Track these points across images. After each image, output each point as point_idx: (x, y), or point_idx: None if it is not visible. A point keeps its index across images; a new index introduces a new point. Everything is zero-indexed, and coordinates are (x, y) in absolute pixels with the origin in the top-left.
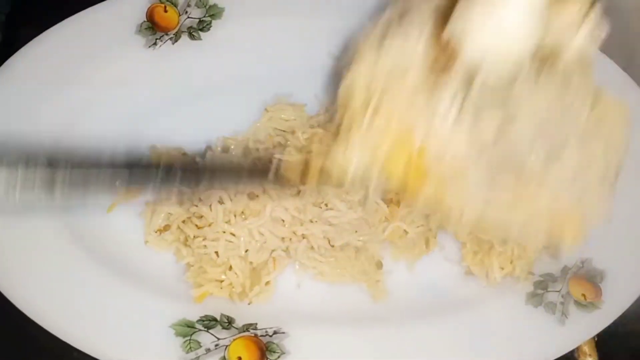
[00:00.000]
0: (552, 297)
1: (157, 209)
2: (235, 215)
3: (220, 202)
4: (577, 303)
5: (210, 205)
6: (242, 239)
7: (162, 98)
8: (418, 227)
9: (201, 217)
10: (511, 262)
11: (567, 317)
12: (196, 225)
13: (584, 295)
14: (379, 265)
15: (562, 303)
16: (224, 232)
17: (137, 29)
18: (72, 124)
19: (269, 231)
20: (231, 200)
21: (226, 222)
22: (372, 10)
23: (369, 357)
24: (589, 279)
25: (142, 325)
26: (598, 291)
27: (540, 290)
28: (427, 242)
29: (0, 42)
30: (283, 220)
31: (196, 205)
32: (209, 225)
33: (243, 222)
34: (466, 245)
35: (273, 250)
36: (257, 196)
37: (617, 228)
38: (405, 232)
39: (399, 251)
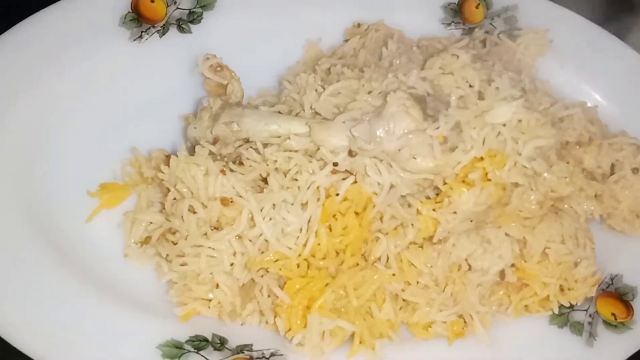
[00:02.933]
0: (578, 316)
1: (137, 218)
2: (211, 227)
3: (192, 210)
4: (607, 323)
5: (181, 216)
6: (224, 254)
7: (147, 95)
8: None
9: (175, 232)
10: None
11: (595, 339)
12: (172, 242)
13: (613, 314)
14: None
15: (589, 323)
16: (202, 246)
17: (121, 20)
18: (50, 121)
19: (249, 242)
20: (204, 207)
21: (203, 235)
22: (371, 4)
23: None
24: (620, 297)
25: (126, 345)
26: (630, 310)
27: (566, 309)
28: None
29: None
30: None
31: (168, 220)
32: (185, 238)
33: (220, 233)
34: None
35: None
36: (232, 201)
37: None
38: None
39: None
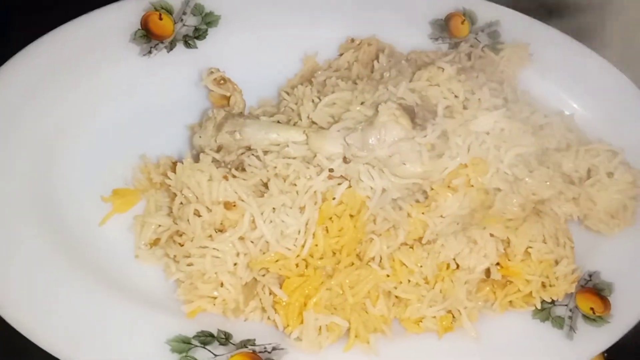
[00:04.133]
0: (559, 311)
1: (147, 221)
2: (215, 230)
3: (197, 214)
4: (586, 317)
5: (187, 220)
6: (228, 255)
7: (156, 106)
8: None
9: (182, 234)
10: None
11: (575, 332)
12: (179, 244)
13: (592, 309)
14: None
15: (570, 317)
16: (207, 247)
17: (132, 37)
18: (63, 133)
19: (251, 243)
20: (208, 211)
21: (208, 237)
22: (364, 21)
23: None
24: (598, 293)
25: (136, 341)
26: (607, 305)
27: (547, 304)
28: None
29: None
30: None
31: (175, 223)
32: (191, 240)
33: (223, 235)
34: None
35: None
36: (234, 205)
37: (626, 239)
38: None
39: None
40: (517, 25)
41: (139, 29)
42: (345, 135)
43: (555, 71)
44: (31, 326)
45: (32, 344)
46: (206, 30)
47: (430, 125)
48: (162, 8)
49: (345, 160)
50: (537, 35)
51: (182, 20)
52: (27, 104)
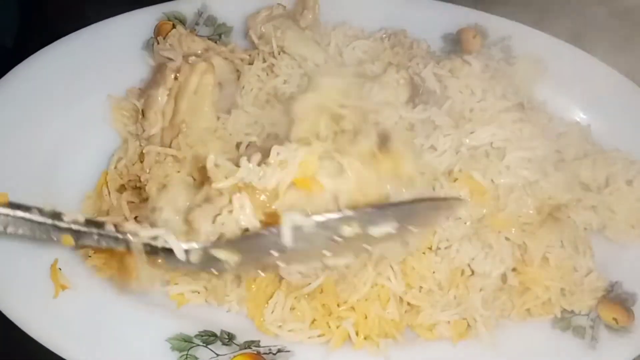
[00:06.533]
0: (580, 320)
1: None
2: None
3: None
4: (608, 327)
5: None
6: None
7: None
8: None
9: None
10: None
11: (597, 342)
12: None
13: (615, 319)
14: None
15: (591, 327)
16: None
17: (144, 44)
18: (75, 137)
19: None
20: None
21: None
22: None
23: None
24: (620, 303)
25: (136, 337)
26: (630, 315)
27: (568, 313)
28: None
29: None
30: None
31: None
32: None
33: None
34: None
35: None
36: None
37: None
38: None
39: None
40: (528, 39)
41: (151, 37)
42: (351, 76)
43: (568, 85)
44: (33, 324)
45: (33, 341)
46: (219, 40)
47: (422, 106)
48: (175, 18)
49: None
50: (549, 49)
51: (195, 30)
52: (36, 111)
